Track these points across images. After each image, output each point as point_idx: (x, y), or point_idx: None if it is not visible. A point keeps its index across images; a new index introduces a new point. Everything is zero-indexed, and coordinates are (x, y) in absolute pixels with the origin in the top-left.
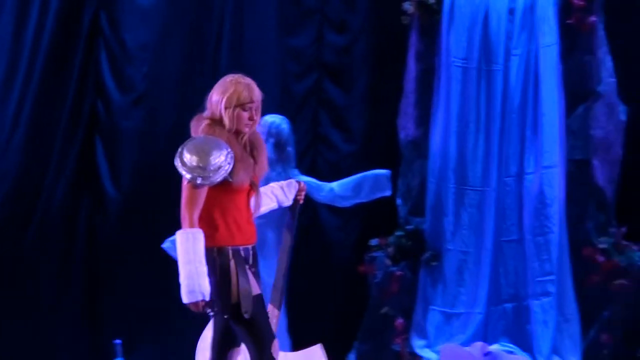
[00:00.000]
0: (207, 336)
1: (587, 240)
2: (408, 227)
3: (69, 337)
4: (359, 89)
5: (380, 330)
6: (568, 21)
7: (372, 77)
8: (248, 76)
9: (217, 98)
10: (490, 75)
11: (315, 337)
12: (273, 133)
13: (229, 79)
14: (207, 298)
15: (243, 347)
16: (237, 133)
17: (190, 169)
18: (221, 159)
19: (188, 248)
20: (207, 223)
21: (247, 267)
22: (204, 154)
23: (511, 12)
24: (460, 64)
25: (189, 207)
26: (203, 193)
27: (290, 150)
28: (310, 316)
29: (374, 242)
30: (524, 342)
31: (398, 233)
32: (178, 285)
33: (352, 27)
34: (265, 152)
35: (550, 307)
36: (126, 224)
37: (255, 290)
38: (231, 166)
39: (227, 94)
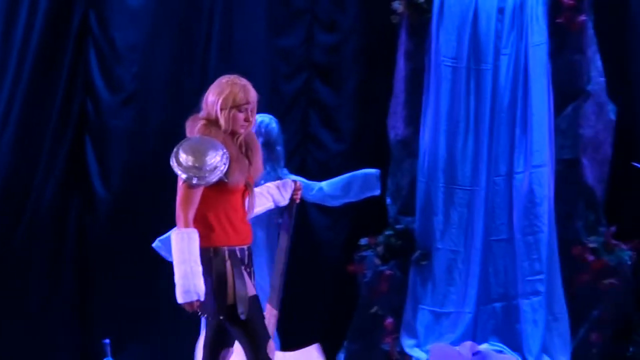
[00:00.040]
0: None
1: (576, 239)
2: (397, 226)
3: (58, 337)
4: (348, 88)
5: (370, 330)
6: (557, 20)
7: (361, 77)
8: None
9: (213, 99)
10: (479, 75)
11: (305, 337)
12: (262, 132)
13: (224, 79)
14: (202, 298)
15: (236, 347)
16: (233, 134)
17: (186, 169)
18: (217, 159)
19: (183, 248)
20: (203, 223)
21: (242, 268)
22: (199, 154)
23: (500, 11)
24: (449, 64)
25: (184, 207)
26: (198, 193)
27: (279, 150)
28: (300, 316)
29: (363, 241)
30: (514, 341)
31: (387, 232)
32: (168, 285)
33: (342, 27)
34: (260, 153)
35: (539, 306)
36: (116, 224)
37: (251, 291)
38: (227, 166)
39: (223, 95)
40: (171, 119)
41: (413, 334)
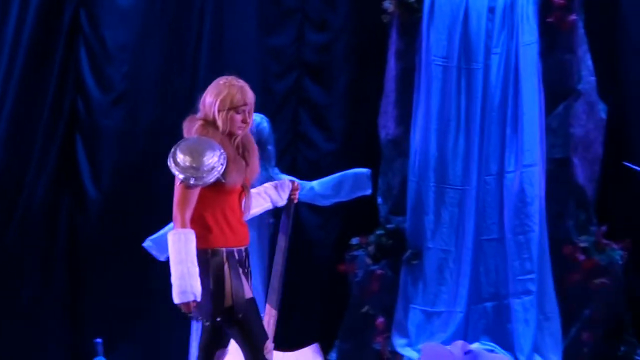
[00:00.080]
0: None
1: (567, 238)
2: (388, 225)
3: (49, 336)
4: (339, 87)
5: (361, 329)
6: (548, 20)
7: (352, 76)
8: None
9: (210, 100)
10: (470, 74)
11: (296, 336)
12: (253, 132)
13: (222, 81)
14: (199, 299)
15: (230, 348)
16: (230, 135)
17: (183, 169)
18: (214, 160)
19: (180, 248)
20: (200, 225)
21: (240, 270)
22: (197, 154)
23: (491, 10)
24: (440, 63)
25: (181, 207)
26: (195, 193)
27: (270, 149)
28: (291, 315)
29: (354, 240)
30: (505, 340)
31: (379, 232)
32: (159, 285)
33: (332, 26)
34: (256, 155)
35: (531, 306)
36: (107, 223)
37: (248, 293)
38: (224, 167)
39: (221, 97)
40: (162, 119)
41: (404, 334)
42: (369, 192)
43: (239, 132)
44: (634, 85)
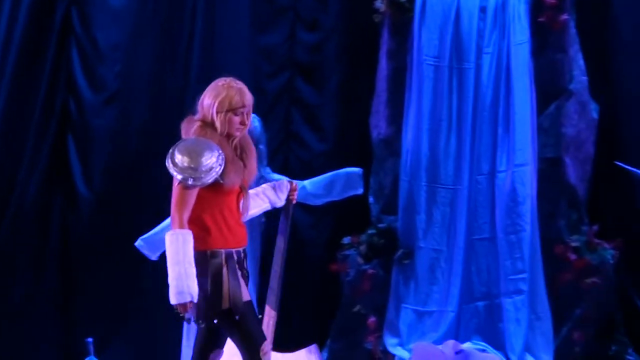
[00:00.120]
0: None
1: (559, 238)
2: (380, 225)
3: (41, 335)
4: (331, 87)
5: (353, 329)
6: (539, 19)
7: (344, 76)
8: (220, 74)
9: (209, 102)
10: (461, 74)
11: (288, 336)
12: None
13: (221, 82)
14: (196, 300)
15: (227, 348)
16: (228, 136)
17: (181, 170)
18: (212, 160)
19: (178, 249)
20: (199, 226)
21: (239, 272)
22: (195, 154)
23: (483, 10)
24: (432, 62)
25: (179, 208)
26: (193, 194)
27: (262, 149)
28: (283, 314)
29: (346, 240)
30: (497, 340)
31: (370, 231)
32: (150, 284)
33: (324, 26)
34: (254, 156)
35: (522, 305)
36: (98, 223)
37: (246, 296)
38: (222, 168)
39: (219, 98)
40: (154, 119)
41: (396, 333)
42: (360, 191)
43: (237, 133)
44: (625, 84)
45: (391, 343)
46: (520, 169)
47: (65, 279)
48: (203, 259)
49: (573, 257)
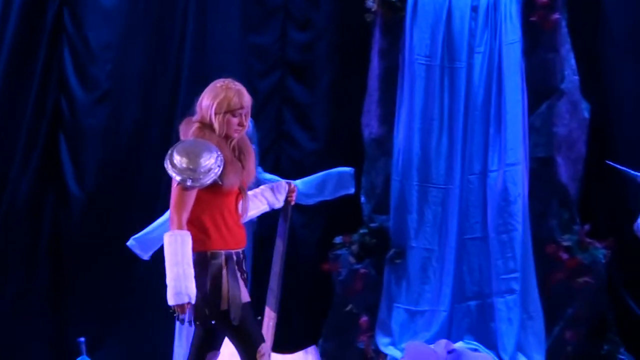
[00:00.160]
0: None
1: (550, 237)
2: (372, 224)
3: (33, 335)
4: (322, 86)
5: (345, 328)
6: (531, 19)
7: (335, 75)
8: (212, 74)
9: (207, 103)
10: (453, 73)
11: (280, 335)
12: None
13: (219, 84)
14: (193, 301)
15: (223, 350)
16: (226, 137)
17: (180, 171)
18: (211, 162)
19: (176, 250)
20: (199, 228)
21: (238, 274)
22: (194, 155)
23: (474, 9)
24: (423, 62)
25: (178, 209)
26: (192, 195)
27: (254, 148)
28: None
29: (338, 239)
30: (488, 339)
31: (362, 231)
32: (142, 284)
33: (316, 25)
34: (253, 158)
35: (514, 305)
36: (90, 222)
37: (245, 297)
38: (221, 169)
39: (218, 100)
40: (145, 118)
41: (388, 332)
42: (352, 191)
43: (236, 135)
44: (617, 84)
45: (383, 342)
46: (511, 168)
47: (57, 278)
48: (203, 260)
49: (565, 256)
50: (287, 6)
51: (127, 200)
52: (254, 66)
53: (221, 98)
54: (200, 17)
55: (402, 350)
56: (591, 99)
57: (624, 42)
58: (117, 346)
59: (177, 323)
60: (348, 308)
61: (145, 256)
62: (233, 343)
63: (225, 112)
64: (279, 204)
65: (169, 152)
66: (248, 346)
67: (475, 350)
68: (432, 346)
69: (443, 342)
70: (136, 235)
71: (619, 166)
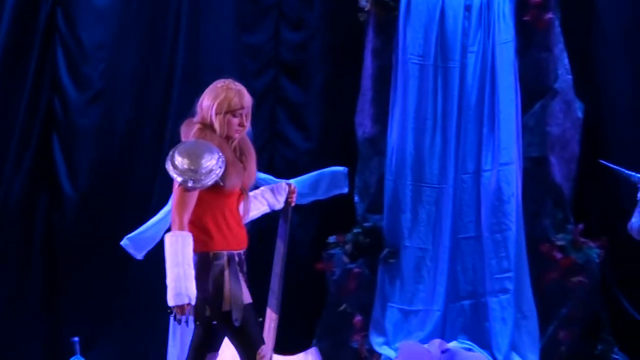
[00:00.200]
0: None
1: (544, 237)
2: (366, 224)
3: (26, 334)
4: (316, 86)
5: (339, 328)
6: (524, 18)
7: (329, 74)
8: (205, 73)
9: (207, 103)
10: (446, 72)
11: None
12: None
13: (219, 84)
14: (194, 302)
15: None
16: (227, 138)
17: (181, 172)
18: (212, 163)
19: (177, 250)
20: (201, 229)
21: (240, 275)
22: (195, 157)
23: (467, 9)
24: (416, 61)
25: (180, 210)
26: (194, 196)
27: None
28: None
29: (331, 239)
30: (482, 339)
31: (356, 230)
32: (136, 283)
33: (309, 24)
34: (254, 159)
35: (508, 304)
36: (84, 222)
37: (247, 299)
38: (222, 170)
39: (218, 100)
40: (138, 118)
41: (382, 332)
42: (345, 190)
43: (236, 135)
44: (610, 83)
45: (377, 342)
46: (505, 167)
47: (50, 278)
48: (205, 261)
49: (559, 255)
50: (281, 5)
51: (121, 200)
52: (248, 66)
53: (221, 98)
54: (193, 16)
55: (396, 349)
56: (585, 98)
57: (617, 42)
58: (111, 346)
59: (171, 323)
60: (342, 307)
61: (139, 256)
62: (233, 344)
63: (226, 113)
64: (279, 205)
65: (171, 153)
66: (248, 347)
67: (469, 349)
68: (426, 346)
69: (437, 341)
70: (130, 235)
71: (612, 165)
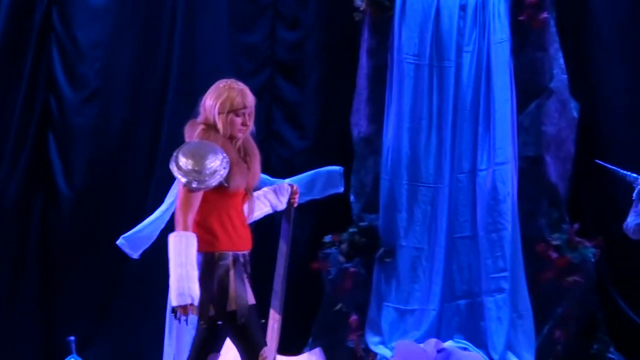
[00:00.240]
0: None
1: (540, 236)
2: (361, 223)
3: (22, 334)
4: (311, 85)
5: (335, 327)
6: (520, 18)
7: (324, 74)
8: (200, 73)
9: (210, 103)
10: (442, 72)
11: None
12: None
13: (222, 84)
14: (197, 302)
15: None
16: (231, 138)
17: (185, 173)
18: (217, 163)
19: (180, 251)
20: (206, 229)
21: (244, 275)
22: (199, 157)
23: (463, 8)
24: (412, 61)
25: (184, 210)
26: (198, 197)
27: None
28: (264, 313)
29: (327, 238)
30: (478, 338)
31: (351, 229)
32: (132, 283)
33: (305, 24)
34: (258, 159)
35: (504, 304)
36: (80, 221)
37: (251, 300)
38: (227, 171)
39: (221, 100)
40: (134, 117)
41: (377, 331)
42: (341, 190)
43: (240, 135)
44: (605, 83)
45: (373, 341)
46: (501, 167)
47: (46, 277)
48: (210, 261)
49: (554, 255)
50: (276, 5)
51: (116, 199)
52: (243, 65)
53: (224, 98)
54: (189, 15)
55: (391, 349)
56: (580, 98)
57: (612, 42)
58: (107, 345)
59: (167, 322)
60: (338, 307)
61: (135, 255)
62: (236, 345)
63: (229, 112)
64: (281, 205)
65: (175, 154)
66: (250, 348)
67: (465, 349)
68: (421, 345)
69: (433, 341)
70: (126, 234)
71: (608, 165)
